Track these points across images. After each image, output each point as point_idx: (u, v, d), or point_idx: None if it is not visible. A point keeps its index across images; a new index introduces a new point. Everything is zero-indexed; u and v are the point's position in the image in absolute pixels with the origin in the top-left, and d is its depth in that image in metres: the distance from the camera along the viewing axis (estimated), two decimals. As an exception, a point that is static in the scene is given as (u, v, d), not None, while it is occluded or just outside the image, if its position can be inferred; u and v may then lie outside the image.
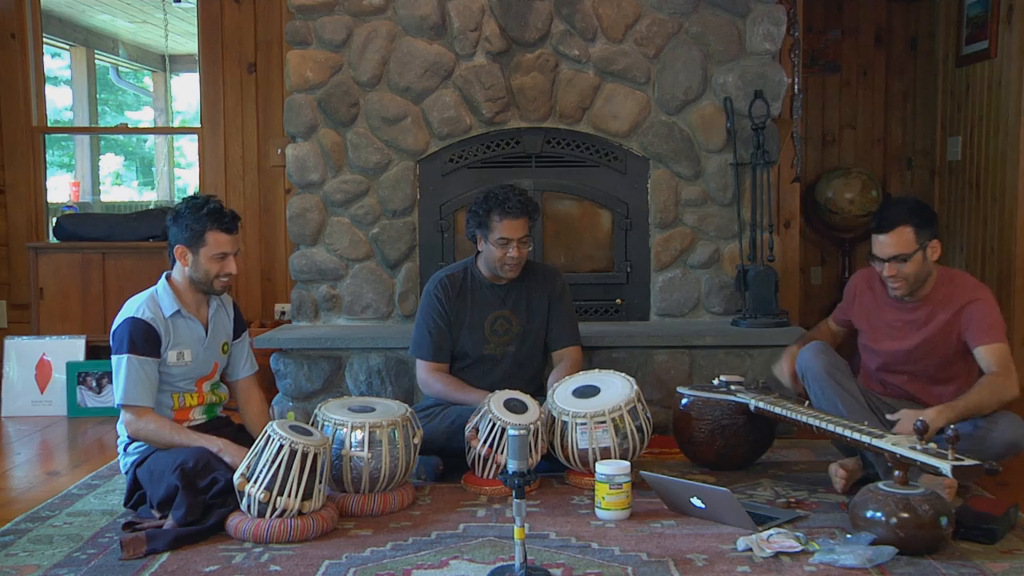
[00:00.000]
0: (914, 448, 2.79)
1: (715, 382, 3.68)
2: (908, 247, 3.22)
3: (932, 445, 2.79)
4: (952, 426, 2.76)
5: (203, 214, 3.18)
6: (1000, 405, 3.18)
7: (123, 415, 3.17)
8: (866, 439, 2.94)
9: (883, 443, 2.89)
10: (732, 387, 3.60)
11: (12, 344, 4.94)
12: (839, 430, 3.07)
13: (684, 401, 3.64)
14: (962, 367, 3.34)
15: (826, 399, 3.30)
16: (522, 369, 3.79)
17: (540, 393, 3.69)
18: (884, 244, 3.25)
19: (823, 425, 3.13)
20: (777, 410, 3.32)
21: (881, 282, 3.39)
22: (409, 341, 3.86)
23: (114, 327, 3.19)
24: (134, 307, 3.18)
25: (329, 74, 4.50)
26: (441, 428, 3.53)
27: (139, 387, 3.12)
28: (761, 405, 3.38)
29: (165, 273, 3.29)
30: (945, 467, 2.68)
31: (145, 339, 3.13)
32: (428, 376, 3.74)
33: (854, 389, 3.33)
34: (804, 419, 3.21)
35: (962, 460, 2.69)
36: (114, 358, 3.16)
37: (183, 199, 3.29)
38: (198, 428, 3.24)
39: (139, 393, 3.12)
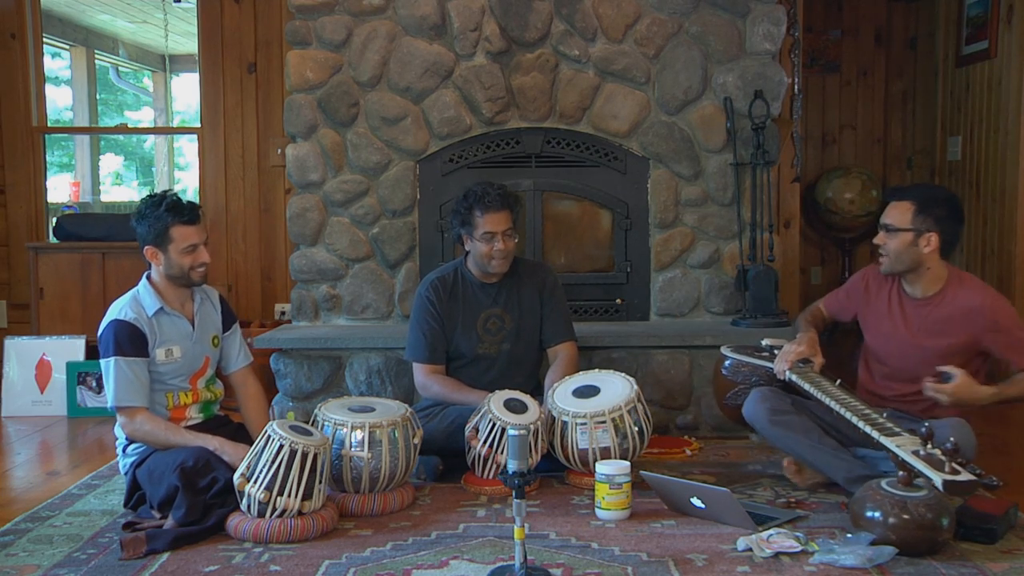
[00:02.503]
0: (916, 453, 2.76)
1: (764, 343, 3.64)
2: (900, 222, 3.25)
3: (936, 451, 2.75)
4: (952, 438, 2.75)
5: (162, 211, 3.17)
6: None
7: (119, 418, 3.17)
8: (875, 434, 2.91)
9: (888, 441, 2.86)
10: (775, 351, 3.53)
11: (12, 344, 4.94)
12: (856, 421, 3.02)
13: (727, 363, 3.58)
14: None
15: (781, 444, 3.32)
16: (518, 367, 3.78)
17: (538, 391, 3.70)
18: (886, 211, 3.32)
19: (841, 412, 3.10)
20: (805, 386, 3.27)
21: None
22: (409, 342, 3.86)
23: (100, 331, 3.19)
24: (117, 309, 3.18)
25: (329, 74, 4.50)
26: (441, 428, 3.53)
27: (129, 388, 3.12)
28: (793, 378, 3.33)
29: (146, 273, 3.29)
30: (937, 480, 2.67)
31: (130, 340, 3.13)
32: (425, 379, 3.73)
33: (806, 424, 3.27)
34: (827, 401, 3.17)
35: (957, 475, 2.66)
36: (102, 362, 3.16)
37: (142, 199, 3.27)
38: (196, 427, 3.24)
39: (130, 394, 3.12)
